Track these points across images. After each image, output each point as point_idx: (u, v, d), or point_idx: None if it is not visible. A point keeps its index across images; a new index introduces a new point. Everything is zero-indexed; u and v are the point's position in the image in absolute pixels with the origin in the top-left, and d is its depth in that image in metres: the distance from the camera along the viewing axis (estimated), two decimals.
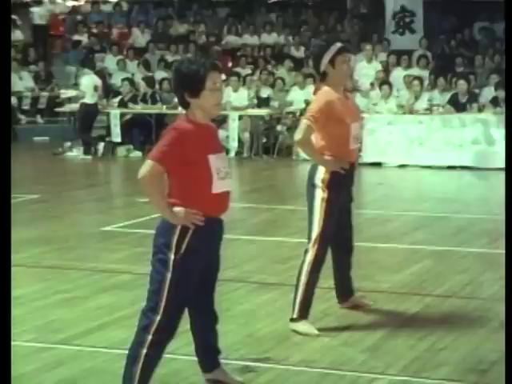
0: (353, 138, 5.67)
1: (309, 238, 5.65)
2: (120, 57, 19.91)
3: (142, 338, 4.17)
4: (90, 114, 16.18)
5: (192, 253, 4.19)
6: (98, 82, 16.43)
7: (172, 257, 4.17)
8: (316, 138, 5.61)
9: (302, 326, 5.52)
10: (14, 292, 6.51)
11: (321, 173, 5.60)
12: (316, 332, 5.49)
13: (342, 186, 5.66)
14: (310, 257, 5.60)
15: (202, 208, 4.21)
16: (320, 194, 5.58)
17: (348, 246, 6.04)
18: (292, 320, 5.60)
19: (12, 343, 5.31)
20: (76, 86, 18.94)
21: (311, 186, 5.65)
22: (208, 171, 4.21)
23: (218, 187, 4.25)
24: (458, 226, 9.21)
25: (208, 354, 4.74)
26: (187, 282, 4.23)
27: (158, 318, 4.15)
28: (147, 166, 4.14)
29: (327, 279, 6.32)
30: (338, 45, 5.64)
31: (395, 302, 6.33)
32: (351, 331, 5.66)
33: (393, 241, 8.46)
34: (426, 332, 5.59)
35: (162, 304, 4.16)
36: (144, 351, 4.16)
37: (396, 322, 5.84)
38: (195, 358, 4.86)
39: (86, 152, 16.02)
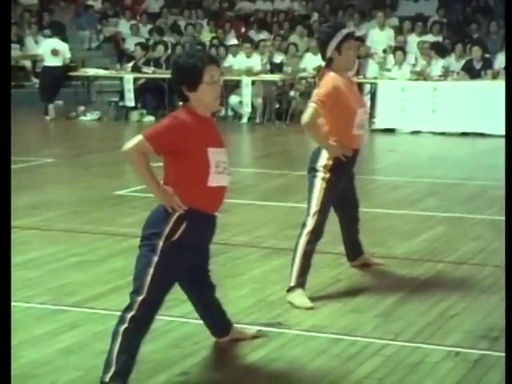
0: (358, 123, 5.69)
1: (307, 215, 5.63)
2: (133, 22, 19.84)
3: (124, 316, 4.10)
4: (50, 76, 16.11)
5: (182, 245, 4.15)
6: (60, 45, 16.36)
7: (161, 243, 4.12)
8: (321, 123, 5.60)
9: (297, 299, 5.44)
10: (29, 255, 6.60)
11: (323, 159, 5.60)
12: (310, 305, 5.39)
13: (343, 171, 5.67)
14: (307, 229, 5.58)
15: (195, 199, 4.16)
16: (321, 176, 5.59)
17: (354, 216, 6.11)
18: (289, 290, 5.51)
19: (27, 305, 5.43)
20: (90, 50, 18.94)
21: (312, 169, 5.65)
22: (206, 163, 4.17)
23: (214, 180, 4.21)
24: (471, 192, 9.20)
25: (217, 322, 4.77)
26: (173, 268, 4.17)
27: (141, 297, 4.09)
28: (136, 140, 4.09)
29: (338, 245, 6.34)
30: (344, 31, 5.64)
31: (407, 268, 6.34)
32: (363, 297, 5.67)
33: (405, 207, 8.44)
34: (438, 298, 5.59)
35: (146, 285, 4.09)
36: (124, 326, 4.06)
37: (408, 288, 5.85)
38: None
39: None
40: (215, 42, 17.86)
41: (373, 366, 4.48)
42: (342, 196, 5.83)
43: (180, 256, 4.17)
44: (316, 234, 5.59)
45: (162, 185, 4.17)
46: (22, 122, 16.54)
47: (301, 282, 5.52)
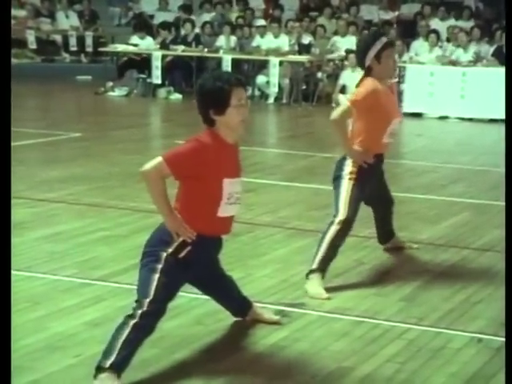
0: (389, 132, 5.66)
1: (336, 211, 5.55)
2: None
3: (134, 313, 4.04)
4: None
5: (186, 262, 4.14)
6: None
7: (165, 255, 4.11)
8: (353, 123, 5.58)
9: (313, 288, 5.35)
10: (56, 228, 6.67)
11: (348, 167, 5.57)
12: (326, 296, 5.30)
13: (369, 176, 5.62)
14: (339, 218, 5.51)
15: (202, 227, 4.14)
16: (347, 181, 5.55)
17: (389, 211, 6.14)
18: (309, 273, 5.42)
19: (54, 277, 5.49)
20: (119, 26, 18.97)
21: (338, 177, 5.61)
22: (219, 194, 4.12)
23: (223, 211, 4.17)
24: (498, 179, 9.10)
25: (237, 306, 4.77)
26: (177, 278, 4.16)
27: (149, 298, 4.05)
28: (155, 162, 4.04)
29: (363, 228, 6.35)
30: (384, 39, 5.59)
31: (432, 254, 6.33)
32: (386, 280, 5.67)
33: (431, 192, 8.42)
34: (461, 285, 5.60)
35: (153, 288, 4.05)
36: (134, 321, 4.00)
37: (432, 274, 5.85)
38: None
39: None
40: (240, 21, 17.80)
41: (395, 350, 4.50)
42: (375, 196, 5.83)
43: (184, 271, 4.17)
44: (347, 224, 5.51)
45: (175, 212, 4.12)
46: (51, 96, 16.65)
47: (322, 268, 5.46)
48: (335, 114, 5.47)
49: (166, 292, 4.13)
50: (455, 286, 5.56)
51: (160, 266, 4.10)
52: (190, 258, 4.16)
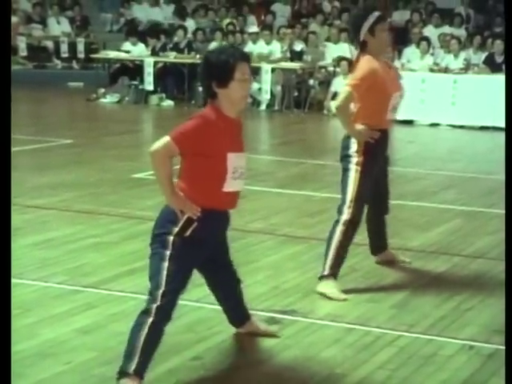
0: (391, 107, 5.66)
1: (342, 203, 5.56)
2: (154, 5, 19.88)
3: (148, 309, 4.03)
4: None
5: (194, 240, 4.12)
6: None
7: (171, 238, 4.09)
8: (354, 105, 5.57)
9: (330, 290, 5.42)
10: (47, 235, 6.65)
11: (355, 144, 5.56)
12: (344, 297, 5.39)
13: (376, 154, 5.61)
14: (344, 217, 5.52)
15: (207, 202, 4.13)
16: (355, 161, 5.54)
17: (384, 207, 6.08)
18: (322, 277, 5.48)
19: (44, 284, 5.48)
20: (111, 33, 18.95)
21: (345, 156, 5.60)
22: (224, 168, 4.12)
23: (229, 186, 4.17)
24: (489, 187, 9.17)
25: (237, 313, 4.74)
26: (187, 260, 4.13)
27: (161, 290, 4.03)
28: (163, 141, 4.05)
29: (356, 234, 6.33)
30: (377, 14, 5.59)
31: (423, 261, 6.34)
32: (378, 288, 5.68)
33: (423, 199, 8.44)
34: (452, 292, 5.60)
35: (163, 278, 4.04)
36: (150, 319, 4.00)
37: (423, 281, 5.85)
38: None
39: None
40: (231, 27, 17.82)
41: (386, 357, 4.50)
42: (375, 190, 5.79)
43: (192, 250, 4.15)
44: (354, 223, 5.53)
45: (176, 191, 4.11)
46: (43, 102, 16.63)
47: (333, 273, 5.48)
48: (338, 101, 5.49)
49: (177, 280, 4.09)
50: (446, 293, 5.56)
51: (168, 253, 4.08)
52: (196, 236, 4.12)
